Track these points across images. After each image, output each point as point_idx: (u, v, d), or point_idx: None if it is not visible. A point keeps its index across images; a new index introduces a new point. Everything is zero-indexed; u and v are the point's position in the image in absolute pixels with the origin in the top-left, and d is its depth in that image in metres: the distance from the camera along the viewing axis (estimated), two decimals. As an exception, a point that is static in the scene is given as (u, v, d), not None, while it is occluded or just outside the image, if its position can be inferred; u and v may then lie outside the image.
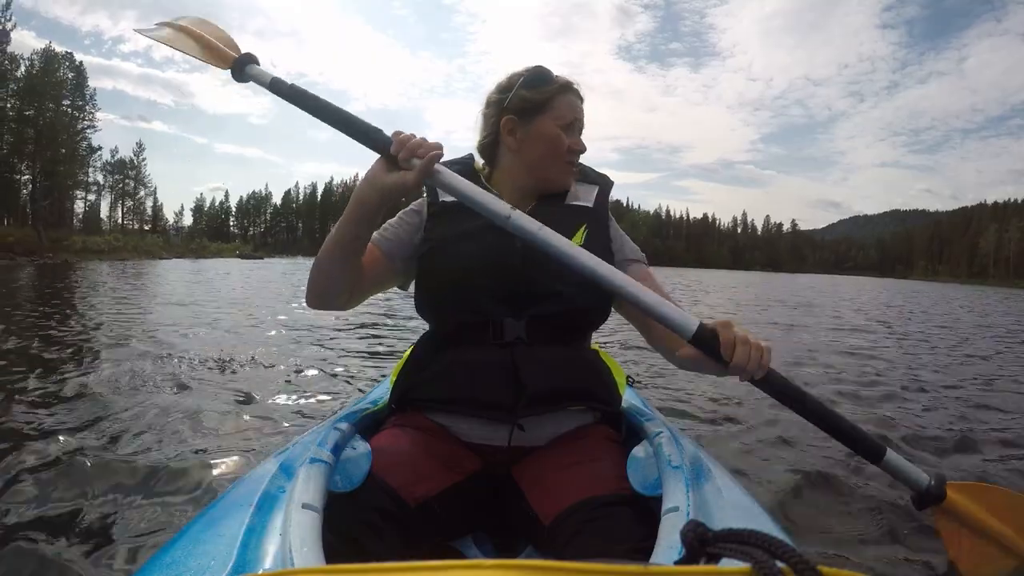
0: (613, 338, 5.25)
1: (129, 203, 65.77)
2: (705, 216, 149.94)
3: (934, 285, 55.74)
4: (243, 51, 1.05)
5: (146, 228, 65.64)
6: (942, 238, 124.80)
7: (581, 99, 1.10)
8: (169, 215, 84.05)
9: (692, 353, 0.81)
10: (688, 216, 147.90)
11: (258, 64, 1.05)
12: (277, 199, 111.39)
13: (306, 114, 0.96)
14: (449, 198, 1.08)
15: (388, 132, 0.89)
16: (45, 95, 39.38)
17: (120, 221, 64.76)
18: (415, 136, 0.87)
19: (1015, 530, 0.77)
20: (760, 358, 0.78)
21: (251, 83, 1.04)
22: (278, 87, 1.00)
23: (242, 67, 1.04)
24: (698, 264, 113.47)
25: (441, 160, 1.16)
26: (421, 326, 1.11)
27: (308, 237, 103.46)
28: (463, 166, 1.14)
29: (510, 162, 1.10)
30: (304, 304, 1.02)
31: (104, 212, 62.14)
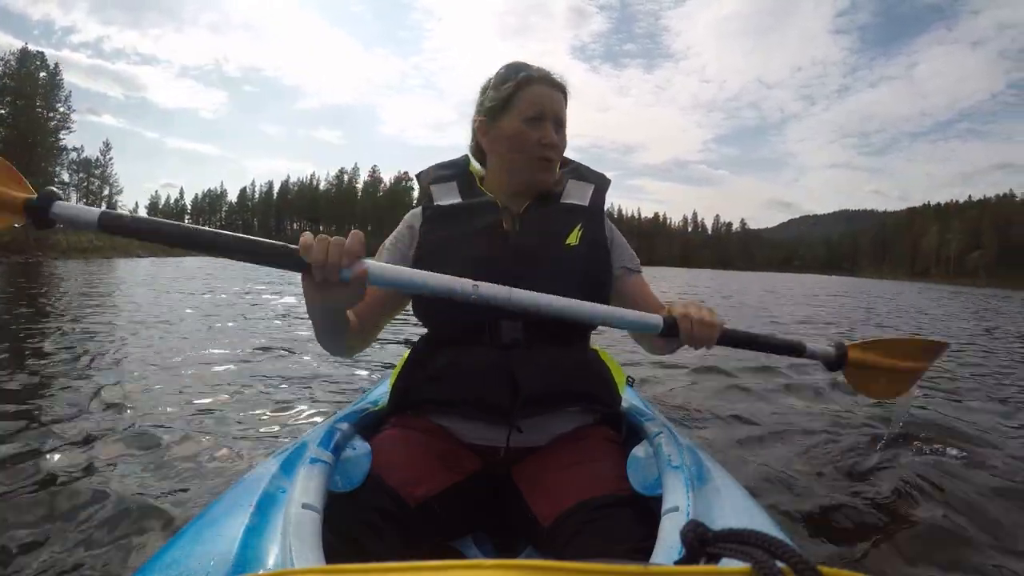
0: (613, 336, 5.24)
1: (98, 202, 65.74)
2: (656, 215, 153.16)
3: (867, 281, 57.76)
4: (43, 190, 0.80)
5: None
6: (887, 238, 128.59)
7: (558, 89, 1.06)
8: (123, 213, 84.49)
9: (661, 343, 0.97)
10: (639, 215, 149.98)
11: (59, 203, 0.79)
12: (232, 196, 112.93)
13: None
14: (445, 202, 1.08)
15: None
16: (26, 95, 40.03)
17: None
18: (327, 242, 0.74)
19: (899, 359, 1.10)
20: (711, 336, 0.93)
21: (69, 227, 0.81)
22: (116, 223, 0.79)
23: (44, 206, 0.78)
24: (648, 263, 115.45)
25: (433, 166, 1.17)
26: (420, 328, 1.12)
27: (264, 235, 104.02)
28: (456, 169, 1.14)
29: (492, 164, 1.10)
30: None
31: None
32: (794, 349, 1.05)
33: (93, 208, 0.80)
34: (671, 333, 0.91)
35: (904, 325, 8.98)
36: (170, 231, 0.79)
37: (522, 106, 1.03)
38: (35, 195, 0.79)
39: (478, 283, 0.83)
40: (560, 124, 1.06)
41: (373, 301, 1.02)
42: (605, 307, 0.91)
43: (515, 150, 1.04)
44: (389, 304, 1.06)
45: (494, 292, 0.83)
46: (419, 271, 0.83)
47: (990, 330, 8.48)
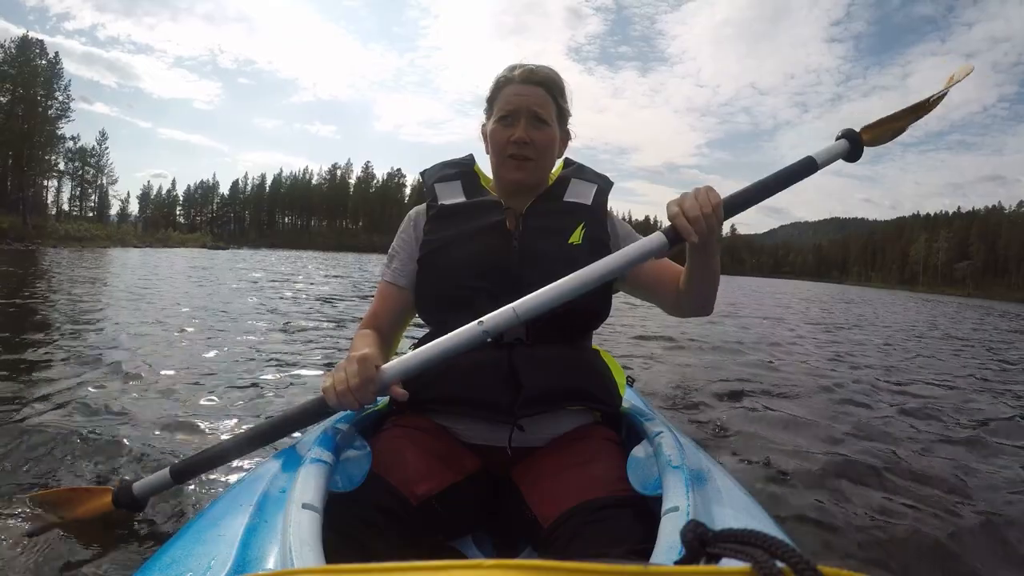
0: (613, 338, 5.24)
1: (89, 191, 65.97)
2: (647, 218, 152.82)
3: (852, 288, 58.45)
4: (120, 481, 1.08)
5: (89, 215, 64.28)
6: (876, 246, 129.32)
7: (537, 85, 1.06)
8: (114, 202, 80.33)
9: (696, 284, 0.98)
10: (630, 218, 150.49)
11: (136, 485, 1.07)
12: (224, 188, 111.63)
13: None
14: (448, 201, 1.09)
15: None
16: (26, 84, 40.51)
17: (77, 209, 64.32)
18: (347, 387, 0.84)
19: (905, 119, 1.15)
20: (714, 223, 0.85)
21: (150, 496, 1.10)
22: (183, 473, 1.01)
23: (128, 495, 1.06)
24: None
25: (438, 164, 1.19)
26: (420, 328, 1.11)
27: (256, 228, 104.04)
28: (461, 168, 1.16)
29: (491, 164, 1.13)
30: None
31: (50, 198, 60.22)
32: (805, 170, 0.98)
33: (161, 471, 1.03)
34: (676, 240, 0.86)
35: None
36: (233, 447, 0.98)
37: (499, 107, 1.07)
38: (113, 490, 1.11)
39: (483, 320, 0.85)
40: (540, 120, 1.06)
41: (393, 317, 1.09)
42: (606, 259, 0.87)
43: (493, 150, 1.09)
44: (408, 314, 1.11)
45: (501, 319, 0.85)
46: (429, 346, 0.87)
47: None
